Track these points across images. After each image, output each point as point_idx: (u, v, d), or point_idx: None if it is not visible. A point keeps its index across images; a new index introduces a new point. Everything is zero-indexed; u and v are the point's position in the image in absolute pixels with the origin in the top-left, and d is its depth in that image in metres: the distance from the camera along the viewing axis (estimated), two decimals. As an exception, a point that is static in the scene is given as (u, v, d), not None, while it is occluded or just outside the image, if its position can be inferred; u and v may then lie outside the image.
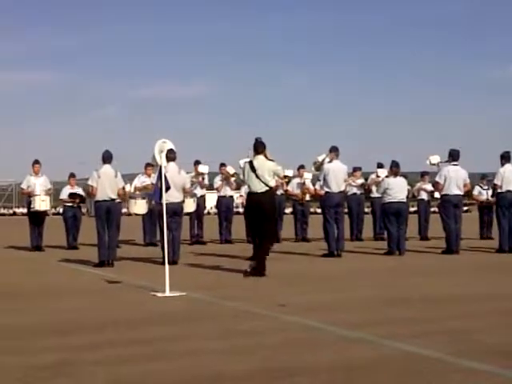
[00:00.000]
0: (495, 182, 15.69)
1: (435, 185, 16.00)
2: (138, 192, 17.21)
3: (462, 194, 15.18)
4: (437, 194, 17.44)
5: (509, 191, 15.32)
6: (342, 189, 14.86)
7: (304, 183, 19.52)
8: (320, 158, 14.95)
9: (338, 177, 14.42)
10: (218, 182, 19.39)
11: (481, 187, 20.62)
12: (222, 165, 19.34)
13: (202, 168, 18.43)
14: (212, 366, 5.03)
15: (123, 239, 17.70)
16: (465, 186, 15.16)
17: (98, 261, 12.68)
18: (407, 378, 4.71)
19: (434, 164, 15.58)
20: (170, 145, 11.33)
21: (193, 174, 18.01)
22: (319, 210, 17.56)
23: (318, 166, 14.94)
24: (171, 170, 12.64)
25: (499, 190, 15.50)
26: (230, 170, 18.47)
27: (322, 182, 14.78)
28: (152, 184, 15.60)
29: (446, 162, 15.25)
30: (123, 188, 13.53)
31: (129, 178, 17.92)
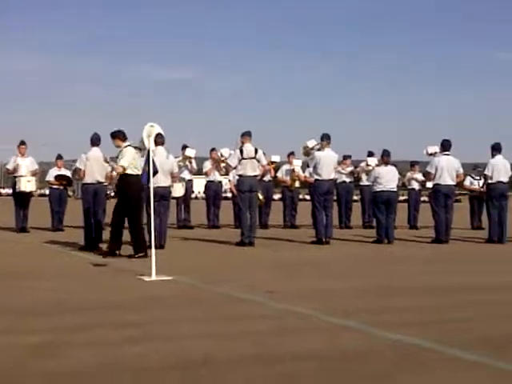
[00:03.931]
0: (486, 172, 15.64)
1: (426, 175, 15.91)
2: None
3: (453, 183, 15.11)
4: (428, 184, 17.37)
5: (499, 182, 15.27)
6: (332, 176, 14.77)
7: (294, 170, 19.42)
8: (309, 144, 14.86)
9: (328, 165, 14.34)
10: (207, 166, 19.24)
11: (472, 177, 20.57)
12: (213, 149, 19.21)
13: (190, 152, 18.27)
14: (200, 349, 4.91)
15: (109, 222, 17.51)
16: (457, 176, 15.09)
17: (84, 243, 12.54)
18: (396, 366, 4.62)
19: (431, 154, 15.46)
20: (158, 129, 11.18)
21: (180, 158, 17.85)
22: (308, 197, 17.49)
23: (307, 152, 14.86)
24: (159, 155, 12.50)
25: (490, 181, 15.44)
26: (226, 152, 18.22)
27: (312, 170, 14.71)
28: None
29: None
30: (111, 171, 13.35)
31: (115, 161, 17.68)
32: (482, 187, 18.32)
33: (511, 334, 5.66)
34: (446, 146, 15.08)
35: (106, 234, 14.21)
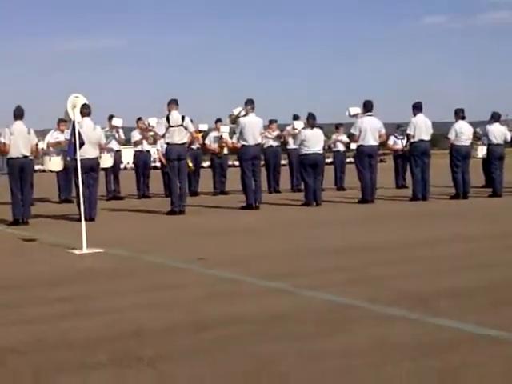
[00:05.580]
0: (408, 131, 15.97)
1: (351, 136, 16.16)
2: (51, 148, 16.80)
3: (377, 144, 15.40)
4: (353, 146, 17.66)
5: (421, 140, 15.64)
6: (259, 141, 14.89)
7: (221, 137, 19.46)
8: (235, 111, 14.92)
9: (254, 130, 14.43)
10: (136, 136, 19.12)
11: (395, 137, 20.96)
12: (139, 119, 19.09)
13: (116, 121, 18.09)
14: (133, 321, 5.00)
15: (38, 197, 17.32)
16: (380, 136, 15.39)
17: (12, 219, 12.40)
18: (325, 325, 4.80)
19: (353, 115, 15.68)
20: (83, 99, 11.07)
21: (107, 128, 17.70)
22: (237, 163, 17.58)
23: (234, 119, 14.92)
24: (86, 126, 12.39)
25: (412, 140, 15.80)
26: (153, 121, 18.03)
27: (238, 136, 14.80)
28: (66, 140, 15.25)
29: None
30: (36, 144, 13.18)
31: (41, 134, 17.46)
32: (405, 146, 18.73)
33: (436, 288, 5.88)
34: (368, 107, 15.35)
35: (35, 209, 14.11)
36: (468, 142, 16.38)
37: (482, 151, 18.77)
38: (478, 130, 18.51)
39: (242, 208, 14.28)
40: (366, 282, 6.23)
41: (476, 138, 18.58)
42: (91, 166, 12.59)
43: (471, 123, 16.79)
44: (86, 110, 12.30)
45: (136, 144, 19.15)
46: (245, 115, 14.48)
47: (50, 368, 4.04)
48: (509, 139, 17.02)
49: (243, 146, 14.46)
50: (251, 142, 14.37)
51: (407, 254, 7.88)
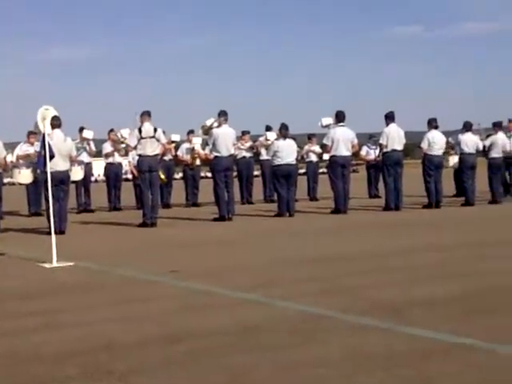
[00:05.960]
0: (381, 141, 16.03)
1: (323, 147, 16.16)
2: (21, 161, 16.61)
3: (349, 154, 15.42)
4: (326, 156, 17.67)
5: (394, 150, 15.69)
6: (232, 152, 14.86)
7: (193, 148, 19.39)
8: (208, 122, 14.86)
9: (227, 141, 14.40)
10: (106, 147, 18.97)
11: (368, 147, 21.04)
12: (111, 130, 18.94)
13: (87, 133, 17.95)
14: (105, 334, 4.93)
15: (7, 210, 17.13)
16: (353, 146, 15.41)
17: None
18: (298, 335, 4.76)
19: (325, 126, 15.70)
20: (53, 112, 10.97)
21: (78, 140, 17.54)
22: (209, 175, 17.52)
23: (207, 130, 14.87)
24: (56, 138, 12.27)
25: (385, 150, 15.85)
26: (126, 132, 17.88)
27: (211, 147, 14.76)
28: (35, 152, 15.08)
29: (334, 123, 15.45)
30: (5, 157, 13.01)
31: (10, 146, 17.25)
32: (378, 156, 18.79)
33: (409, 298, 5.87)
34: (340, 117, 15.37)
35: (4, 223, 13.93)
36: (440, 152, 16.48)
37: (453, 160, 18.91)
38: (450, 139, 18.63)
39: (215, 220, 14.22)
40: (339, 292, 6.20)
41: (449, 147, 18.72)
42: (61, 179, 12.46)
43: (444, 133, 16.89)
44: (56, 122, 12.19)
45: (107, 156, 19.00)
46: (218, 126, 14.44)
47: (20, 381, 3.97)
48: (481, 148, 17.14)
49: (216, 157, 14.42)
50: (224, 153, 14.33)
51: (380, 264, 7.87)
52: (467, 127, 17.16)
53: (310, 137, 21.14)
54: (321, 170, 22.18)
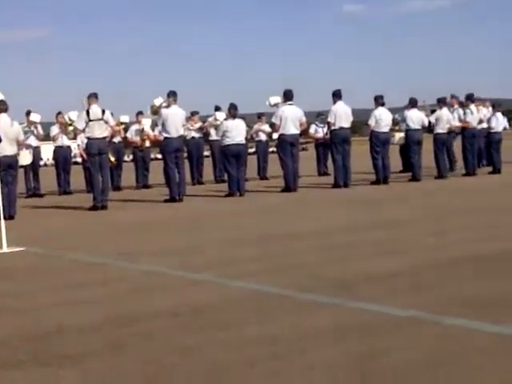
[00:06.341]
0: (328, 119, 16.16)
1: (272, 125, 16.23)
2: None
3: (298, 132, 15.52)
4: (275, 135, 17.76)
5: (341, 128, 15.85)
6: (181, 133, 14.83)
7: (143, 129, 19.30)
8: (157, 102, 14.79)
9: (176, 122, 14.35)
10: (54, 130, 18.74)
11: (316, 125, 21.17)
12: (59, 113, 18.69)
13: (34, 117, 17.72)
14: (54, 319, 4.92)
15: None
16: (301, 124, 15.51)
17: None
18: (251, 314, 4.82)
19: (274, 105, 15.77)
20: (0, 96, 10.82)
21: (25, 124, 17.31)
22: (160, 156, 17.46)
23: (155, 110, 14.81)
24: (3, 122, 12.12)
25: (333, 128, 15.99)
26: (74, 115, 17.67)
27: (160, 128, 14.73)
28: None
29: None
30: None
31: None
32: (326, 134, 18.93)
33: (357, 274, 5.96)
34: (288, 96, 15.45)
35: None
36: (387, 129, 16.69)
37: (398, 137, 19.19)
38: (396, 116, 18.87)
39: (166, 201, 14.21)
40: (289, 270, 6.28)
41: (394, 124, 18.95)
42: (9, 164, 12.30)
43: (389, 109, 17.10)
44: (2, 107, 12.05)
45: (54, 139, 18.78)
46: (167, 107, 14.38)
47: (-31, 370, 3.95)
48: (426, 124, 17.39)
49: (166, 138, 14.38)
50: (174, 134, 14.29)
51: (329, 241, 7.97)
52: (413, 103, 17.41)
53: (259, 116, 21.17)
54: (271, 150, 22.24)
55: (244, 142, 15.83)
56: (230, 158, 15.22)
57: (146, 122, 19.15)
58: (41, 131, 18.21)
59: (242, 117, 16.10)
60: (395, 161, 18.83)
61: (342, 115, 15.83)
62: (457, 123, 17.93)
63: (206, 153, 21.61)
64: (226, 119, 16.02)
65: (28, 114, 17.93)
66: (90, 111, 13.38)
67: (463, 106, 18.45)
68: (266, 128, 20.47)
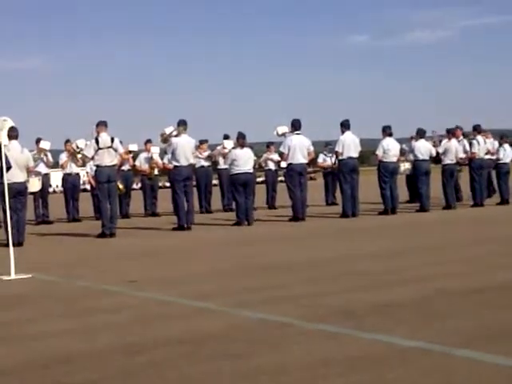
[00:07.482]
0: (336, 149, 16.22)
1: (280, 155, 16.27)
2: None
3: (306, 162, 15.56)
4: (283, 164, 17.80)
5: (350, 158, 15.89)
6: (191, 162, 14.89)
7: (152, 157, 19.39)
8: (167, 130, 14.87)
9: (186, 150, 14.43)
10: (63, 158, 18.86)
11: (325, 155, 21.24)
12: (67, 141, 18.84)
13: (44, 144, 17.84)
14: (63, 346, 4.93)
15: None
16: (309, 154, 15.56)
17: None
18: (256, 344, 4.80)
19: (281, 134, 15.84)
20: (10, 122, 10.90)
21: (35, 151, 17.42)
22: (168, 184, 17.51)
23: (165, 139, 14.89)
24: (13, 149, 12.20)
25: (341, 157, 16.03)
26: (82, 143, 17.82)
27: (170, 156, 14.79)
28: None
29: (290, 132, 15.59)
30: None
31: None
32: (334, 164, 18.97)
33: (364, 304, 5.94)
34: (296, 126, 15.53)
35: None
36: (395, 159, 16.71)
37: (404, 167, 19.23)
38: (403, 146, 18.91)
39: (174, 229, 14.23)
40: (296, 300, 6.26)
41: (401, 154, 18.99)
42: (19, 190, 12.38)
43: (397, 140, 17.14)
44: (13, 133, 12.12)
45: (62, 166, 18.89)
46: (177, 135, 14.47)
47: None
48: (434, 154, 17.41)
49: (175, 166, 14.44)
50: (183, 162, 14.36)
51: (337, 270, 7.96)
52: (420, 134, 17.45)
53: (268, 145, 21.25)
54: (280, 178, 22.27)
55: (252, 170, 15.87)
56: (238, 187, 15.25)
57: (155, 150, 19.26)
58: (50, 158, 18.32)
59: (250, 146, 16.16)
60: (402, 191, 18.83)
61: (350, 145, 15.88)
62: (463, 155, 17.93)
63: (215, 181, 21.66)
64: (234, 148, 16.08)
65: (38, 141, 18.04)
66: (100, 139, 13.47)
67: (467, 136, 18.49)
68: (275, 157, 20.51)
